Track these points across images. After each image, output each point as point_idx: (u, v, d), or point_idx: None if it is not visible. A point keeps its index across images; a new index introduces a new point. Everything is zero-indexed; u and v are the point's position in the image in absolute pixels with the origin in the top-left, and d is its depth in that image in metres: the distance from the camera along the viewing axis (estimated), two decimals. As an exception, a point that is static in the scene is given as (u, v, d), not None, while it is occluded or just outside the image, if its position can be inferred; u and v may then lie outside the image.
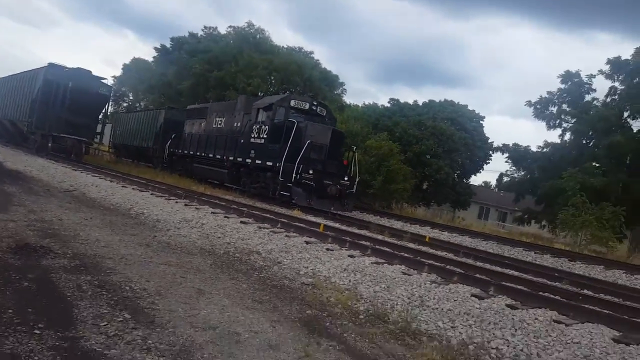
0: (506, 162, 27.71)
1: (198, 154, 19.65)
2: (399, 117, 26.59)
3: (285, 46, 35.89)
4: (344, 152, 15.76)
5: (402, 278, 5.93)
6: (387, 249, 7.69)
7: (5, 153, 18.98)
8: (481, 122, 28.86)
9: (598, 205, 17.37)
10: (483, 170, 30.39)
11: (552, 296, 5.97)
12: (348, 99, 35.96)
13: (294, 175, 13.35)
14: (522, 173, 27.87)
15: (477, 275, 6.58)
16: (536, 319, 4.89)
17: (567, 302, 5.71)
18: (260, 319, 4.04)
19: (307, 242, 7.49)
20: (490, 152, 29.27)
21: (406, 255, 7.23)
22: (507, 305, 5.25)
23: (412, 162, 24.76)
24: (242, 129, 16.72)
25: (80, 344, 2.89)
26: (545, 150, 26.37)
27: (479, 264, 8.20)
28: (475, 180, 43.58)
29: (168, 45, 41.64)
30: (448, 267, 6.91)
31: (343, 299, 5.02)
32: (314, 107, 15.44)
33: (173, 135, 22.80)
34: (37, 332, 2.95)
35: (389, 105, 28.37)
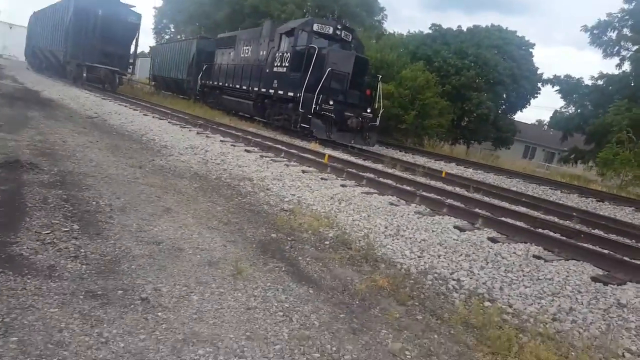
0: (560, 97, 25.65)
1: (227, 85, 19.53)
2: (439, 45, 24.73)
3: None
4: (369, 81, 15.08)
5: (387, 208, 5.77)
6: (385, 180, 7.46)
7: (46, 83, 19.74)
8: (531, 50, 26.31)
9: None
10: (530, 105, 28.30)
11: (547, 232, 5.65)
12: (397, 27, 34.08)
13: (313, 106, 13.01)
14: (573, 109, 25.80)
15: (469, 208, 6.28)
16: (514, 253, 4.66)
17: (558, 238, 5.36)
18: (216, 238, 4.06)
19: (303, 171, 7.39)
20: (539, 84, 27.07)
21: (403, 187, 6.99)
22: (489, 239, 5.02)
23: (451, 95, 23.31)
24: (266, 57, 16.30)
25: (9, 248, 3.00)
26: (599, 82, 23.96)
27: (480, 197, 7.81)
28: (527, 118, 41.03)
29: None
30: (441, 198, 6.63)
31: (316, 225, 4.95)
32: (338, 32, 14.61)
33: (205, 67, 22.66)
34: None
35: (430, 32, 26.31)
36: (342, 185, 6.70)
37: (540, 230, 5.71)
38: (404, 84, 20.54)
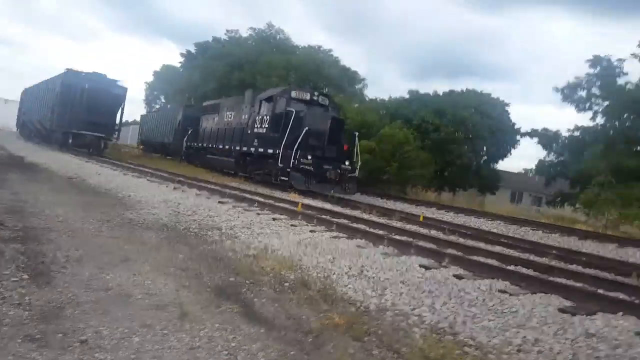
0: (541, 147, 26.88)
1: (211, 145, 20.39)
2: (417, 107, 26.27)
3: (305, 45, 36.06)
4: (347, 138, 15.65)
5: (354, 251, 5.77)
6: (357, 225, 7.51)
7: (32, 150, 20.04)
8: (506, 108, 28.24)
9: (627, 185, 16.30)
10: (510, 154, 29.81)
11: (517, 268, 5.64)
12: (380, 95, 35.80)
13: (292, 160, 13.39)
14: (553, 157, 26.89)
15: (439, 249, 6.29)
16: (478, 288, 4.64)
17: (527, 274, 5.36)
18: (169, 284, 4.01)
19: (274, 219, 7.43)
20: (518, 137, 28.44)
21: (373, 230, 7.03)
22: (454, 276, 5.01)
23: (432, 149, 24.40)
24: (247, 120, 17.02)
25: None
26: (575, 133, 25.23)
27: (455, 239, 7.83)
28: (515, 166, 42.17)
29: (193, 51, 42.72)
30: (412, 240, 6.65)
31: (278, 268, 4.91)
32: (315, 97, 15.51)
33: (190, 131, 23.67)
34: None
35: (407, 96, 28.05)
36: (312, 231, 6.73)
37: (510, 266, 5.71)
38: (384, 140, 21.39)
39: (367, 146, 21.13)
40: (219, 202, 8.93)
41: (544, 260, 6.84)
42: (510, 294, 4.44)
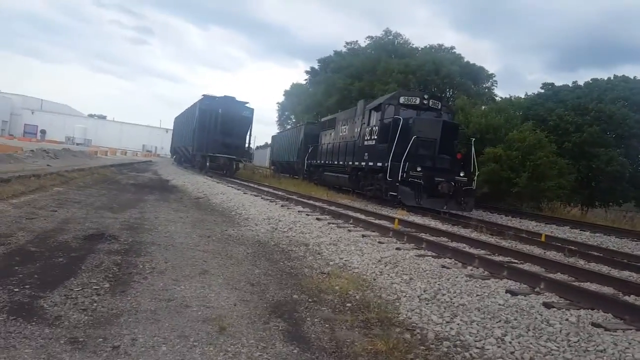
0: None
1: (327, 162, 20.68)
2: (553, 104, 23.03)
3: (424, 46, 35.06)
4: (463, 146, 14.62)
5: (436, 271, 5.34)
6: (451, 244, 6.93)
7: (178, 174, 23.06)
8: None
9: None
10: None
11: (633, 299, 4.62)
12: (516, 93, 33.00)
13: (400, 174, 12.97)
14: None
15: (539, 272, 5.47)
16: (567, 320, 3.90)
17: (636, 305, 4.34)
18: (231, 298, 4.19)
19: (363, 236, 7.29)
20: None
21: (467, 249, 6.42)
22: (543, 304, 4.33)
23: (572, 153, 21.17)
24: (359, 133, 16.97)
25: (35, 301, 3.51)
26: None
27: (573, 262, 6.71)
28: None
29: (316, 67, 44.86)
30: (507, 261, 5.89)
31: (347, 287, 4.79)
32: (425, 101, 14.76)
33: (311, 148, 24.44)
34: (16, 289, 3.70)
35: (542, 91, 24.81)
36: (397, 249, 6.41)
37: (626, 297, 4.70)
38: (512, 146, 19.41)
39: (491, 153, 19.50)
40: (317, 218, 9.10)
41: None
42: (606, 329, 3.63)
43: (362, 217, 9.48)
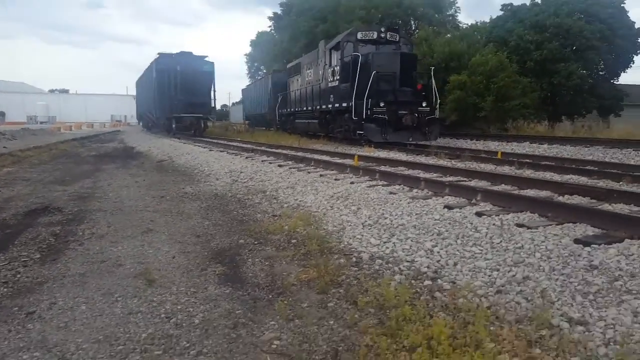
0: None
1: (297, 109, 20.26)
2: (513, 24, 22.68)
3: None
4: (422, 76, 14.37)
5: (383, 198, 5.32)
6: (404, 172, 6.90)
7: (145, 140, 22.40)
8: (622, 5, 22.79)
9: None
10: (634, 63, 24.33)
11: (566, 199, 4.67)
12: (485, 19, 31.98)
13: (364, 111, 12.78)
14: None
15: (477, 186, 5.48)
16: (494, 224, 3.91)
17: (564, 202, 4.39)
18: (171, 251, 4.08)
19: (321, 175, 7.19)
20: (640, 39, 23.05)
21: (417, 174, 6.39)
22: (476, 214, 4.30)
23: (535, 71, 21.12)
24: (322, 75, 16.53)
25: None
26: None
27: (518, 173, 6.74)
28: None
29: (279, 12, 42.83)
30: (451, 180, 5.90)
31: (295, 226, 4.72)
32: (382, 35, 14.31)
33: (280, 97, 23.78)
34: None
35: (501, 13, 24.32)
36: (352, 183, 6.35)
37: (561, 197, 4.75)
38: (476, 71, 19.19)
39: (456, 81, 19.31)
40: (279, 165, 8.96)
41: (610, 185, 5.60)
42: (528, 227, 3.67)
43: (326, 158, 9.36)
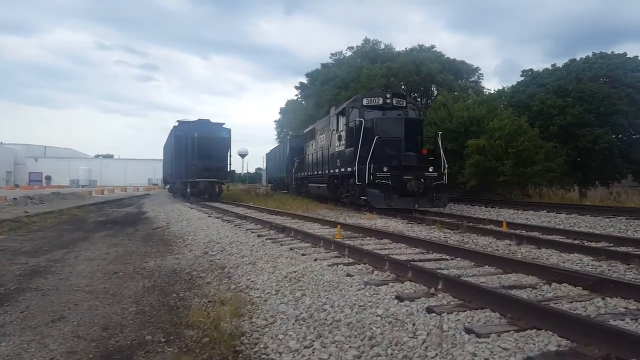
0: None
1: (309, 173, 20.05)
2: (534, 89, 22.21)
3: (404, 49, 34.55)
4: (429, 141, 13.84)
5: (336, 281, 4.55)
6: (376, 248, 6.11)
7: (162, 204, 22.41)
8: None
9: None
10: None
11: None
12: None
13: (367, 176, 12.22)
14: None
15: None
16: (437, 327, 3.06)
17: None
18: (59, 349, 3.44)
19: (290, 249, 6.51)
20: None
21: (385, 252, 5.60)
22: (427, 309, 3.45)
23: (559, 136, 20.27)
24: (331, 139, 16.32)
25: None
26: None
27: (526, 251, 5.82)
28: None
29: (305, 81, 44.50)
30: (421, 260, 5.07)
31: (222, 317, 4.00)
32: (388, 101, 14.08)
33: (297, 161, 23.72)
34: None
35: (522, 78, 23.99)
36: (315, 260, 5.62)
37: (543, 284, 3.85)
38: (494, 135, 18.53)
39: (474, 145, 18.64)
40: (258, 235, 8.35)
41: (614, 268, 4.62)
42: (477, 335, 2.83)
43: (308, 228, 8.68)
